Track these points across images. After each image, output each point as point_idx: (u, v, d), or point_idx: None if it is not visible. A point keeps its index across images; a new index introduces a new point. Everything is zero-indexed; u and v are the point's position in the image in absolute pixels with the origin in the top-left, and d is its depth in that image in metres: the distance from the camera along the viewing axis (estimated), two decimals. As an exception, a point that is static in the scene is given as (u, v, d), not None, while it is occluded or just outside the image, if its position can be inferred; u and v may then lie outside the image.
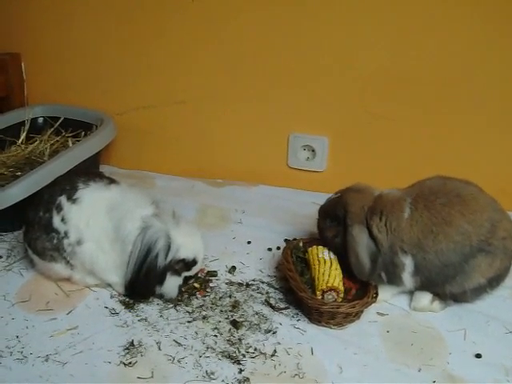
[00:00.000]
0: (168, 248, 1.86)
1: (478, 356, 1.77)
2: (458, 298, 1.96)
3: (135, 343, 1.77)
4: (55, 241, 1.93)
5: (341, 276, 1.89)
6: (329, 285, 1.84)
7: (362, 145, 2.67)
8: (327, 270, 1.89)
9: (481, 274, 1.88)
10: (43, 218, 1.94)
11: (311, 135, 2.72)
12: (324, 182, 2.75)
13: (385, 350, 1.78)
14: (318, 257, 1.96)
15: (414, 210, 1.87)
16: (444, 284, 1.90)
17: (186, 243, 1.89)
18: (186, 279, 1.97)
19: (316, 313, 1.86)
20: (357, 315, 1.89)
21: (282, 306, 1.97)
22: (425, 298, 1.96)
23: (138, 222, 1.87)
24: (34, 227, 1.96)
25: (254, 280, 2.11)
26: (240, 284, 2.08)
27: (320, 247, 2.01)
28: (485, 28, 2.33)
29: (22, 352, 1.72)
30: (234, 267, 2.17)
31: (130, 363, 1.69)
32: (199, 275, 2.09)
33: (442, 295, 1.95)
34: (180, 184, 2.82)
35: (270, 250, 2.30)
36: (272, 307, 1.96)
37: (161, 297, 1.97)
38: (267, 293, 2.04)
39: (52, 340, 1.78)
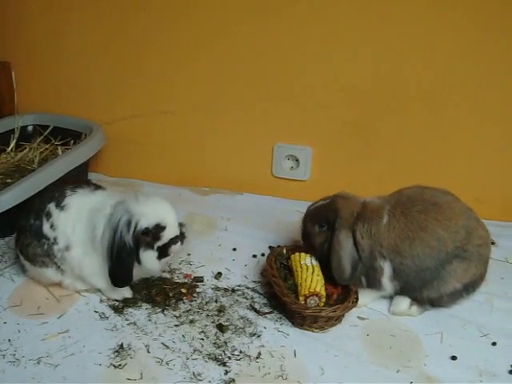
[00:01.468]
0: (129, 222, 1.85)
1: (454, 358, 1.83)
2: (435, 303, 2.02)
3: (125, 346, 1.82)
4: (46, 247, 1.98)
5: (323, 282, 1.96)
6: (311, 290, 1.90)
7: (344, 155, 2.73)
8: (309, 275, 1.95)
9: (456, 279, 1.95)
10: (34, 225, 1.99)
11: (295, 145, 2.78)
12: (307, 191, 2.80)
13: (365, 352, 1.85)
14: (300, 263, 2.02)
15: (391, 217, 1.95)
16: (421, 288, 1.97)
17: (145, 212, 1.86)
18: (164, 250, 1.90)
19: (299, 317, 1.92)
20: (338, 319, 1.95)
21: (266, 310, 2.03)
22: (403, 303, 2.02)
23: (108, 210, 1.90)
24: (25, 234, 2.01)
25: (239, 285, 2.17)
26: (226, 289, 2.14)
27: (302, 254, 2.07)
28: (471, 40, 2.39)
29: (14, 355, 1.77)
30: (219, 273, 2.23)
31: (119, 365, 1.74)
32: (186, 280, 2.16)
33: (419, 300, 2.01)
34: (167, 192, 2.84)
35: (254, 256, 2.36)
36: (256, 312, 2.01)
37: (147, 296, 2.01)
38: (252, 298, 2.10)
39: (44, 343, 1.82)
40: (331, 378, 1.73)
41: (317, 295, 1.91)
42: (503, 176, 2.60)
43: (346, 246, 1.93)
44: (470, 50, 2.41)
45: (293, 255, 2.09)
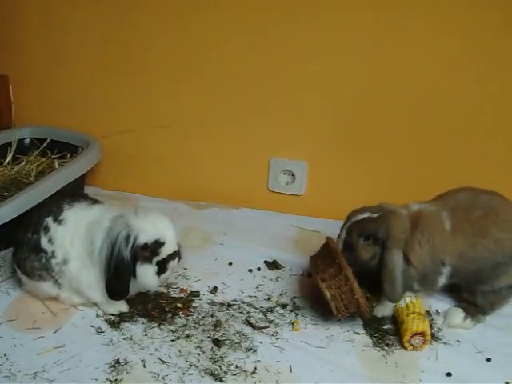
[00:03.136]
0: (128, 237, 1.85)
1: (449, 374, 1.83)
2: (490, 301, 2.05)
3: (121, 361, 1.82)
4: (43, 260, 1.98)
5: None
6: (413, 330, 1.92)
7: (339, 169, 2.74)
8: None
9: (510, 276, 2.00)
10: (32, 239, 1.99)
11: (291, 160, 2.79)
12: (303, 205, 2.83)
13: (360, 367, 1.85)
14: None
15: (454, 223, 1.96)
16: (477, 284, 2.02)
17: (145, 227, 1.86)
18: (163, 265, 1.91)
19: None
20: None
21: (262, 325, 2.03)
22: (458, 316, 2.05)
23: (106, 224, 1.91)
24: (22, 248, 2.01)
25: (235, 300, 2.17)
26: (222, 304, 2.14)
27: None
28: (465, 56, 2.41)
29: (10, 370, 1.77)
30: (215, 288, 2.23)
31: (116, 380, 1.74)
32: (182, 295, 2.16)
33: (472, 298, 2.05)
34: (163, 206, 2.84)
35: (250, 271, 2.36)
36: (252, 326, 2.02)
37: (144, 309, 2.02)
38: (248, 312, 2.10)
39: (40, 358, 1.82)
40: (327, 393, 1.74)
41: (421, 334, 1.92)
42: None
43: (400, 265, 1.93)
44: (472, 65, 2.42)
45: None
